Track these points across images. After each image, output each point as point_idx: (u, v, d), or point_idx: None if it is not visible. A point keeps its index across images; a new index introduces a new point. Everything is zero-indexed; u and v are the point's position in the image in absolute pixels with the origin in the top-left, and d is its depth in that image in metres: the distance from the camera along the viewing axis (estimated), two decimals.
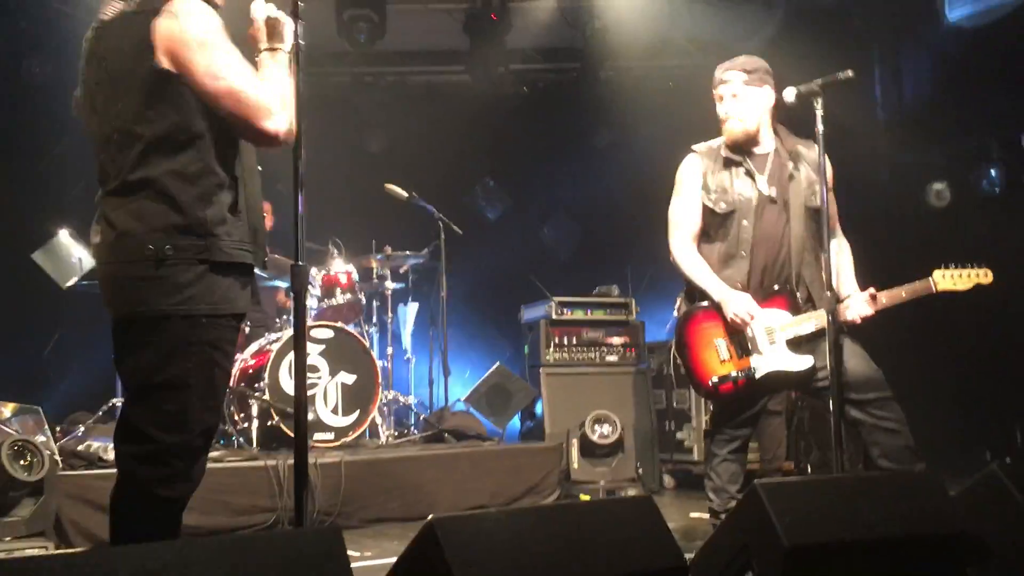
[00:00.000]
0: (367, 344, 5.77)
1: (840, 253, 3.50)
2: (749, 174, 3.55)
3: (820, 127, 3.29)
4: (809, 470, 5.48)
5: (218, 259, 2.41)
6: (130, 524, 2.41)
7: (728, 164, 3.58)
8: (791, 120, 3.58)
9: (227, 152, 2.47)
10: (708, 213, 3.60)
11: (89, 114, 2.51)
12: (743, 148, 3.59)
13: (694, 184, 3.62)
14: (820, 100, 3.29)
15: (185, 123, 2.39)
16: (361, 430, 5.57)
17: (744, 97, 3.56)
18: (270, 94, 2.42)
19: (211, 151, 2.42)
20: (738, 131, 3.57)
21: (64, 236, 6.37)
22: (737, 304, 3.47)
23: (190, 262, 2.38)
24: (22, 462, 4.01)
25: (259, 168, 2.67)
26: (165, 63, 2.36)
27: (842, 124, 3.45)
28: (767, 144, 3.60)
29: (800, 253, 3.50)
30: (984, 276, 3.46)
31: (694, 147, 3.70)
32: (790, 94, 3.36)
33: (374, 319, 6.44)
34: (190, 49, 2.35)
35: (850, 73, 3.26)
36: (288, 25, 2.56)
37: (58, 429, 5.29)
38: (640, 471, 5.85)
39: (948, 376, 6.19)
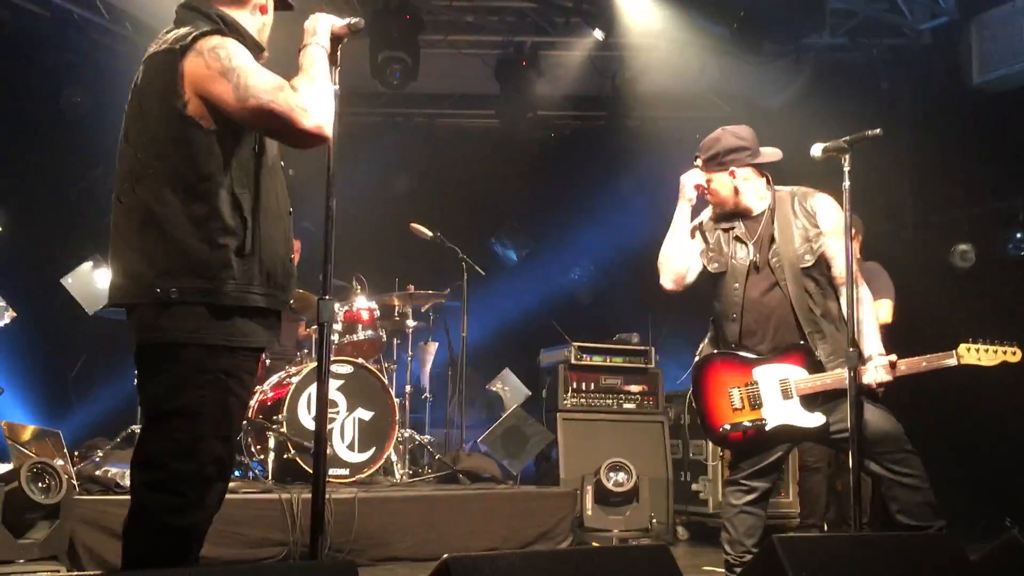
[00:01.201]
0: (386, 381, 5.78)
1: (861, 306, 3.47)
2: (739, 239, 3.60)
3: (847, 183, 3.30)
4: (826, 527, 5.41)
5: (222, 303, 2.43)
6: (140, 552, 2.40)
7: (723, 228, 3.65)
8: (816, 172, 3.59)
9: (239, 195, 2.49)
10: (705, 271, 3.68)
11: (123, 145, 2.57)
12: (734, 215, 3.64)
13: (689, 195, 3.69)
14: (847, 157, 3.31)
15: (195, 165, 2.44)
16: (376, 467, 5.56)
17: (711, 181, 3.66)
18: (302, 94, 2.44)
19: (219, 194, 2.45)
20: (716, 208, 3.69)
21: (93, 263, 6.45)
22: (685, 180, 3.64)
23: (195, 303, 2.42)
24: (40, 484, 4.03)
25: (291, 210, 2.70)
26: (193, 103, 2.42)
27: (868, 183, 3.45)
28: (758, 207, 3.64)
29: (806, 313, 3.50)
30: (1012, 355, 3.40)
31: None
32: (817, 150, 3.39)
33: (394, 356, 6.46)
34: (216, 81, 2.40)
35: (878, 131, 3.28)
36: (322, 22, 2.60)
37: (76, 454, 5.32)
38: (654, 521, 5.79)
39: (969, 439, 6.12)
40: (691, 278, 3.69)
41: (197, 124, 2.43)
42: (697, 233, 3.73)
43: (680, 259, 3.66)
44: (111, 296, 2.57)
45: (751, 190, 3.63)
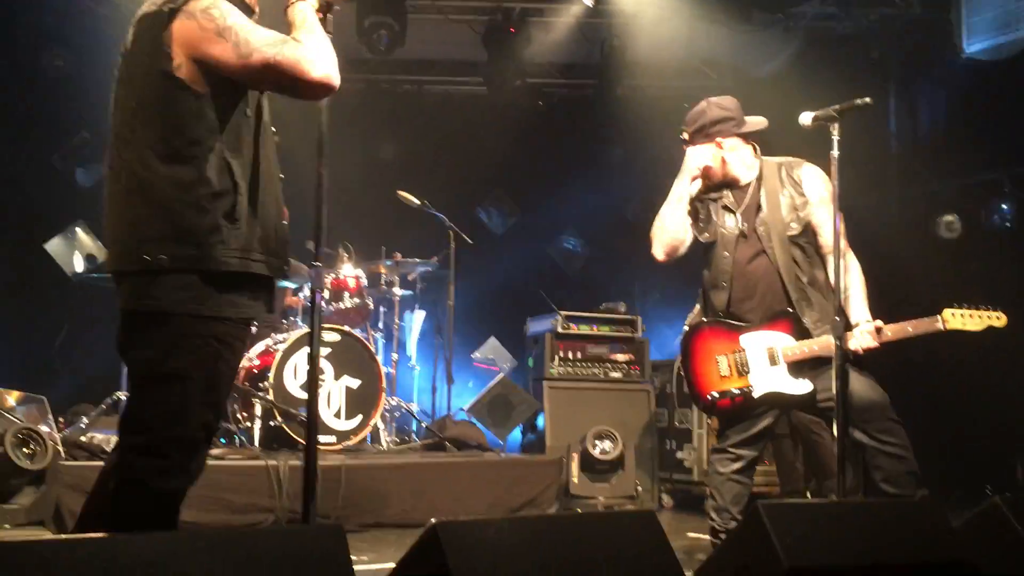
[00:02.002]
0: (373, 349, 5.78)
1: (848, 274, 3.48)
2: (727, 208, 3.60)
3: (835, 152, 3.29)
4: (809, 496, 5.46)
5: (212, 268, 2.41)
6: (125, 516, 2.38)
7: (712, 198, 3.65)
8: (805, 141, 3.59)
9: (230, 159, 2.45)
10: (696, 242, 3.68)
11: (113, 108, 2.53)
12: (723, 185, 3.64)
13: (694, 172, 3.68)
14: (836, 126, 3.30)
15: (183, 129, 2.40)
16: (363, 435, 5.57)
17: (697, 153, 3.64)
18: (305, 45, 2.41)
19: (208, 158, 2.41)
20: (704, 183, 3.68)
21: (77, 228, 6.39)
22: (692, 156, 3.62)
23: (187, 271, 2.39)
24: (25, 450, 4.03)
25: (281, 176, 2.67)
26: (185, 67, 2.38)
27: (855, 152, 3.44)
28: (746, 177, 3.64)
29: (794, 281, 3.51)
30: (997, 319, 3.42)
31: None
32: (806, 118, 3.38)
33: (381, 325, 6.45)
34: (213, 42, 2.36)
35: (868, 100, 3.27)
36: None
37: (61, 420, 5.31)
38: (639, 488, 5.84)
39: (949, 409, 6.18)
40: (683, 250, 3.70)
41: (187, 87, 2.39)
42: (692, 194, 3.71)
43: (675, 231, 3.66)
44: (107, 264, 2.55)
45: (738, 160, 3.63)
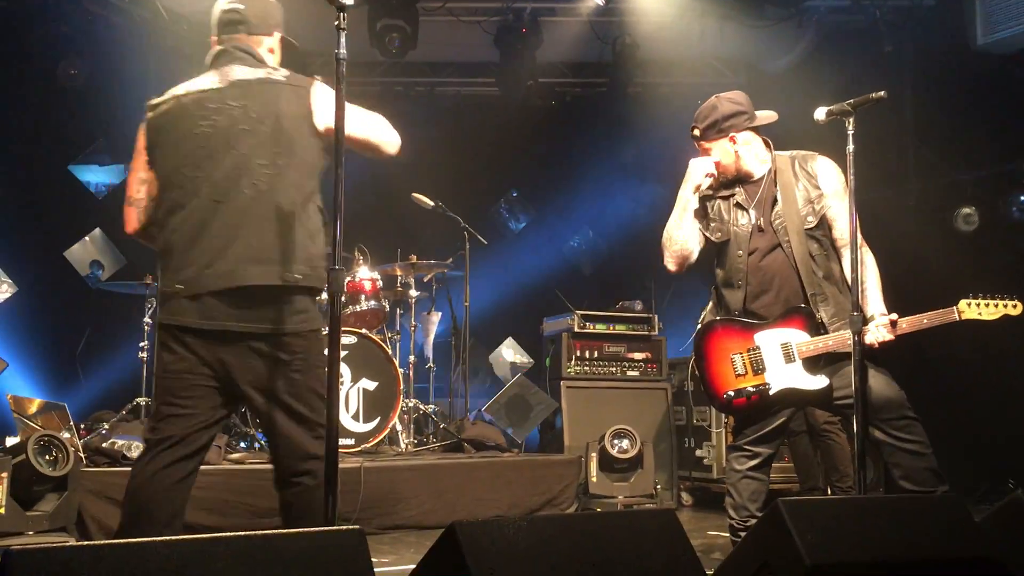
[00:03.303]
0: (390, 351, 5.80)
1: (863, 268, 3.47)
2: (740, 205, 3.59)
3: (851, 147, 3.28)
4: (829, 492, 5.43)
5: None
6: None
7: (723, 196, 3.64)
8: (820, 137, 3.58)
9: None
10: (708, 242, 3.67)
11: (224, 150, 2.89)
12: (735, 182, 3.63)
13: (696, 182, 3.67)
14: (851, 120, 3.28)
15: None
16: (381, 437, 5.59)
17: (710, 151, 3.64)
18: (385, 125, 3.11)
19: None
20: (717, 180, 3.66)
21: (97, 235, 6.43)
22: (695, 166, 3.61)
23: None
24: (47, 457, 4.06)
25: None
26: (321, 126, 2.93)
27: (871, 146, 3.42)
28: (759, 171, 3.63)
29: (810, 275, 3.50)
30: (1014, 308, 3.40)
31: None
32: (821, 113, 3.36)
33: (397, 327, 6.47)
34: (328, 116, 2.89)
35: (883, 93, 3.25)
36: None
37: (82, 426, 5.35)
38: (658, 487, 5.83)
39: (968, 403, 6.14)
40: (693, 259, 3.70)
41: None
42: (697, 205, 3.71)
43: (683, 242, 3.66)
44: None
45: (751, 154, 3.62)
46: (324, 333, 2.86)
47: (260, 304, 2.81)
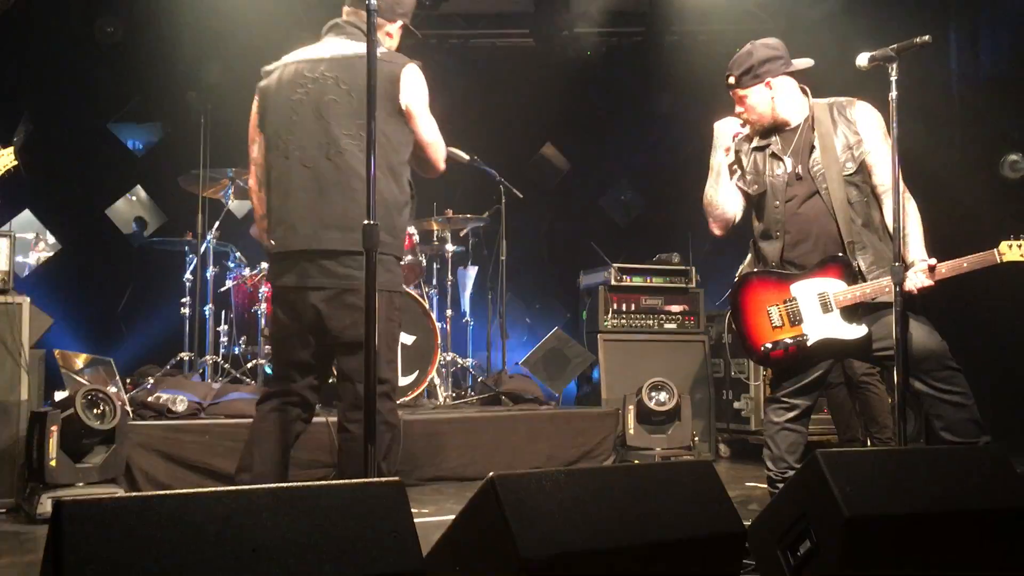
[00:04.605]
0: (427, 306, 5.83)
1: (905, 215, 3.40)
2: (775, 155, 3.53)
3: (894, 93, 3.20)
4: (869, 443, 5.41)
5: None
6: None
7: (758, 148, 3.59)
8: (863, 84, 3.49)
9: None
10: (745, 195, 3.63)
11: (314, 118, 3.11)
12: (771, 131, 3.57)
13: (725, 144, 3.65)
14: (895, 66, 3.20)
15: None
16: (420, 390, 5.64)
17: (746, 98, 3.57)
18: (443, 149, 3.35)
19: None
20: (753, 128, 3.61)
21: (139, 192, 6.49)
22: (721, 129, 3.61)
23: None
24: (95, 411, 4.15)
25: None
26: (404, 104, 3.13)
27: (915, 92, 3.34)
28: (796, 119, 3.56)
29: (848, 222, 3.44)
30: None
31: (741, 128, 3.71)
32: (863, 59, 3.28)
33: (434, 281, 6.50)
34: (423, 104, 3.23)
35: (927, 38, 3.16)
36: None
37: (128, 381, 5.46)
38: (696, 439, 5.84)
39: (1011, 353, 6.05)
40: (738, 219, 3.69)
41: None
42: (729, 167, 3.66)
43: (723, 206, 3.64)
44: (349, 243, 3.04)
45: (788, 101, 3.56)
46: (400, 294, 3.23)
47: (342, 264, 3.05)
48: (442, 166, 3.37)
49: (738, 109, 3.61)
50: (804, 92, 3.60)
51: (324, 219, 3.07)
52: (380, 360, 3.00)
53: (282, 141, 3.15)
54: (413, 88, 3.18)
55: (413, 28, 3.42)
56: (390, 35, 3.35)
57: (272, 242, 3.17)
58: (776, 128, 3.58)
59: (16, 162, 4.56)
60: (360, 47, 2.98)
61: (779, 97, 3.54)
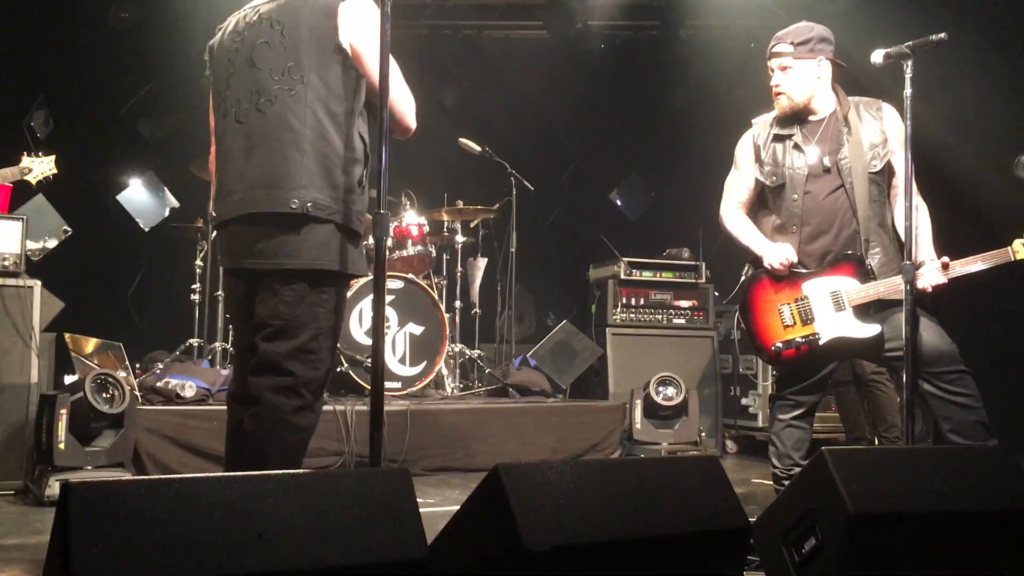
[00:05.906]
0: (436, 296, 5.83)
1: (917, 214, 3.39)
2: (798, 147, 3.50)
3: (908, 90, 3.19)
4: (877, 442, 5.39)
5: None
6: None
7: (779, 138, 3.55)
8: (877, 81, 3.48)
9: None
10: (763, 186, 3.61)
11: (247, 66, 2.70)
12: (796, 119, 3.54)
13: (747, 160, 3.66)
14: (910, 63, 3.18)
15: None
16: (427, 381, 5.65)
17: (793, 70, 3.52)
18: (413, 105, 2.77)
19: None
20: (785, 105, 3.57)
21: (150, 178, 6.51)
22: (775, 254, 3.50)
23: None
24: (104, 395, 4.17)
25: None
26: (345, 42, 2.64)
27: (930, 90, 3.32)
28: (823, 110, 3.54)
29: (867, 220, 3.43)
30: None
31: (754, 120, 3.71)
32: (878, 56, 3.26)
33: (443, 272, 6.50)
34: (371, 41, 2.58)
35: (943, 35, 3.14)
36: None
37: (137, 366, 5.49)
38: (703, 435, 5.83)
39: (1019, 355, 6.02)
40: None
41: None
42: (751, 151, 3.64)
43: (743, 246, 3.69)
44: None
45: (824, 88, 3.55)
46: (357, 277, 2.79)
47: (270, 235, 2.60)
48: (410, 123, 2.75)
49: (776, 81, 3.55)
50: (835, 88, 3.58)
51: (251, 178, 2.63)
52: (294, 349, 2.62)
53: (222, 99, 2.75)
54: (356, 23, 2.64)
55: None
56: None
57: (213, 213, 2.79)
58: (800, 117, 3.55)
59: (55, 171, 4.59)
60: None
61: (823, 79, 3.53)
